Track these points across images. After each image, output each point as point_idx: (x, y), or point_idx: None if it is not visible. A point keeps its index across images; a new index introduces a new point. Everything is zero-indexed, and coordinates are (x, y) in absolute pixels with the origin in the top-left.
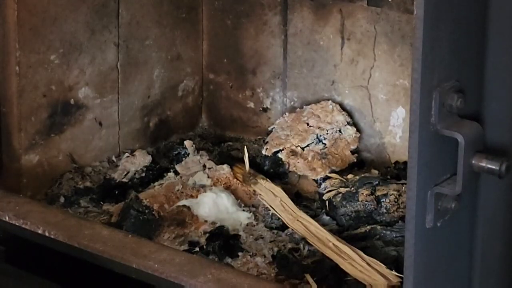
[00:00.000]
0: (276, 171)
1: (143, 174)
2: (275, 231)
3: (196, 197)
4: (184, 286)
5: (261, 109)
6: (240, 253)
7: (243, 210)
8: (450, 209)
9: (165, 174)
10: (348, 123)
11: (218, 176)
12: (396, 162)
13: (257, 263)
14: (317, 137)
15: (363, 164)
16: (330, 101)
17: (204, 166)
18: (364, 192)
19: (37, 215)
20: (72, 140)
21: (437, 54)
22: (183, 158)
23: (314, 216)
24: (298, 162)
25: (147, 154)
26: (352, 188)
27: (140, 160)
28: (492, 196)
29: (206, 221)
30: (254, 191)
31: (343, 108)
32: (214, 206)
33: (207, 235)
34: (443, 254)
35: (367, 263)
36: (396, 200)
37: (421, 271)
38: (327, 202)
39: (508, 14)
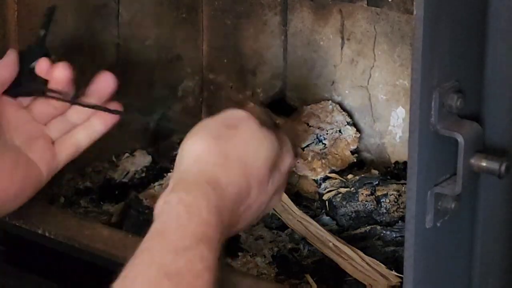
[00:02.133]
0: None
1: (143, 174)
2: (275, 231)
3: None
4: None
5: None
6: (240, 253)
7: None
8: (450, 209)
9: (165, 174)
10: (348, 123)
11: None
12: (396, 162)
13: (257, 263)
14: (317, 137)
15: (363, 164)
16: (330, 101)
17: None
18: (364, 192)
19: (37, 215)
20: None
21: (437, 54)
22: None
23: (314, 216)
24: (298, 162)
25: (147, 154)
26: (352, 188)
27: (140, 160)
28: (492, 196)
29: None
30: None
31: (343, 108)
32: None
33: None
34: (443, 254)
35: (367, 263)
36: (396, 200)
37: (421, 271)
38: (327, 202)
39: (508, 14)
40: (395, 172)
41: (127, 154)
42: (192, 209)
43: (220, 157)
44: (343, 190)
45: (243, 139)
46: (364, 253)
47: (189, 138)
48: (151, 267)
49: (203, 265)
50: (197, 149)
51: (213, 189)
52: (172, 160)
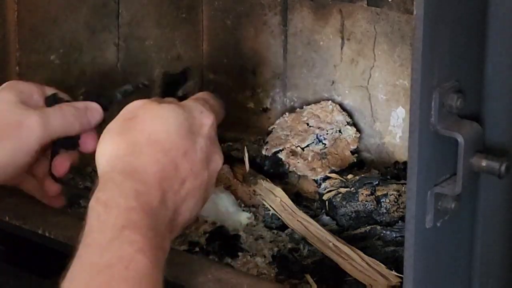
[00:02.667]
0: (276, 171)
1: None
2: (275, 231)
3: None
4: (184, 286)
5: (261, 109)
6: (240, 253)
7: (243, 210)
8: (450, 209)
9: None
10: (348, 123)
11: (218, 176)
12: (396, 162)
13: (257, 263)
14: (317, 137)
15: (363, 164)
16: (330, 101)
17: None
18: (364, 192)
19: (37, 215)
20: None
21: (437, 54)
22: None
23: (314, 216)
24: (298, 162)
25: None
26: (352, 188)
27: None
28: (492, 196)
29: (206, 221)
30: (254, 191)
31: (343, 108)
32: (214, 206)
33: (207, 235)
34: (443, 254)
35: (367, 263)
36: (396, 200)
37: (421, 271)
38: (327, 202)
39: (508, 14)
40: (395, 172)
41: None
42: (109, 202)
43: (128, 148)
44: (343, 190)
45: (146, 122)
46: (364, 253)
47: (98, 146)
48: (84, 271)
49: (134, 248)
50: (107, 151)
51: (128, 175)
52: None
